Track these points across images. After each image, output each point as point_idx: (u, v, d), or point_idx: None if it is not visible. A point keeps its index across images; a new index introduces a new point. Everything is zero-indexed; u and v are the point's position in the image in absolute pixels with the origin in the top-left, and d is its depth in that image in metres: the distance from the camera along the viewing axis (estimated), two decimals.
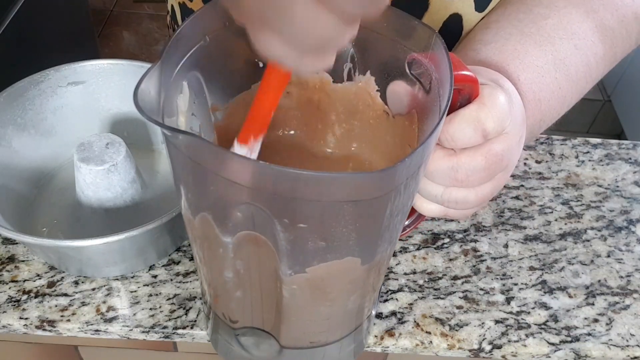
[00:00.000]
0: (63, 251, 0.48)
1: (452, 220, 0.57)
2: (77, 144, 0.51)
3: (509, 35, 0.47)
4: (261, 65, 0.38)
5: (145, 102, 0.30)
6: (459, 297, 0.52)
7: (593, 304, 0.52)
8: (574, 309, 0.52)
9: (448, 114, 0.37)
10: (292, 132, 0.45)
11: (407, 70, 0.38)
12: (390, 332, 0.49)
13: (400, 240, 0.55)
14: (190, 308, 0.50)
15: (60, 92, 0.57)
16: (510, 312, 0.51)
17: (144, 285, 0.51)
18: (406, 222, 0.46)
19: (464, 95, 0.38)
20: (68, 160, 0.58)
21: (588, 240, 0.57)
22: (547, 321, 0.51)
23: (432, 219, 0.57)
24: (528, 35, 0.47)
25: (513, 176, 0.61)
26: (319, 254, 0.34)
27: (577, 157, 0.64)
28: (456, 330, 0.50)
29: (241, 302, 0.40)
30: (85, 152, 0.50)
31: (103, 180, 0.50)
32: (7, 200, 0.53)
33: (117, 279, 0.52)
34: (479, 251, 0.55)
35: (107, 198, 0.51)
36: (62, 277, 0.52)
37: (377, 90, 0.41)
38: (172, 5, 0.68)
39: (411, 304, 0.51)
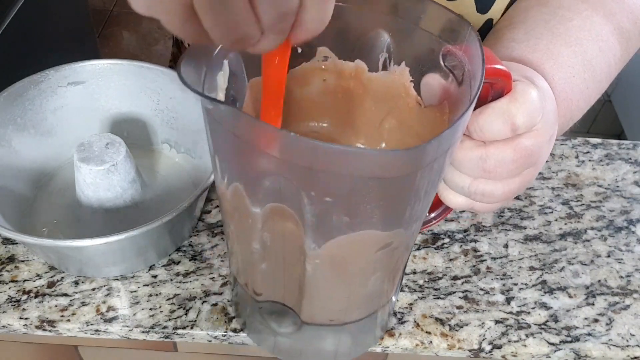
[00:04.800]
0: (63, 251, 0.48)
1: (452, 220, 0.57)
2: (77, 144, 0.51)
3: (540, 35, 0.47)
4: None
5: (187, 76, 0.32)
6: (459, 297, 0.52)
7: (593, 304, 0.52)
8: (574, 309, 0.52)
9: (480, 107, 0.38)
10: (324, 124, 0.45)
11: (441, 62, 0.38)
12: (390, 332, 0.49)
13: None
14: (190, 308, 0.50)
15: (60, 92, 0.57)
16: (510, 312, 0.51)
17: (144, 285, 0.51)
18: (432, 215, 0.46)
19: (496, 90, 0.38)
20: (68, 160, 0.58)
21: (588, 240, 0.57)
22: (547, 321, 0.51)
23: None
24: (558, 36, 0.47)
25: None
26: (342, 229, 0.35)
27: (577, 157, 0.64)
28: (456, 330, 0.50)
29: (266, 274, 0.41)
30: (85, 152, 0.50)
31: (103, 181, 0.50)
32: (7, 200, 0.53)
33: (117, 279, 0.52)
34: (479, 251, 0.55)
35: (107, 198, 0.51)
36: (62, 277, 0.52)
37: (411, 81, 0.42)
38: None
39: (411, 304, 0.51)
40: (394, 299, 0.47)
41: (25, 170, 0.56)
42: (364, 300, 0.43)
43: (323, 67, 0.43)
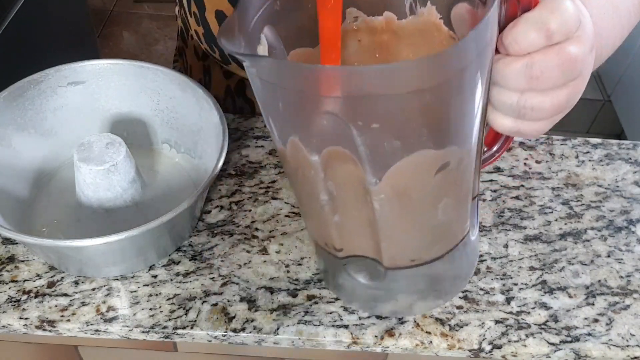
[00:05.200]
0: (63, 251, 0.48)
1: None
2: (77, 144, 0.51)
3: None
4: None
5: (227, 42, 0.34)
6: (459, 297, 0.52)
7: (593, 304, 0.52)
8: (574, 309, 0.52)
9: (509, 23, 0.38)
10: None
11: None
12: (390, 332, 0.49)
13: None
14: (190, 308, 0.50)
15: (60, 92, 0.57)
16: (510, 312, 0.51)
17: (144, 285, 0.51)
18: (494, 149, 0.47)
19: (524, 5, 0.38)
20: (68, 160, 0.59)
21: (588, 240, 0.57)
22: (547, 321, 0.51)
23: None
24: None
25: (513, 176, 0.61)
26: (396, 154, 0.36)
27: (577, 157, 0.63)
28: (456, 330, 0.50)
29: (341, 227, 0.42)
30: (85, 152, 0.50)
31: (103, 181, 0.50)
32: (7, 200, 0.53)
33: (117, 279, 0.52)
34: (479, 251, 0.55)
35: (107, 198, 0.51)
36: (62, 277, 0.52)
37: (440, 18, 0.42)
38: None
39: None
40: (472, 236, 0.46)
41: (25, 170, 0.56)
42: (439, 233, 0.43)
43: (355, 27, 0.44)
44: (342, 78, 0.33)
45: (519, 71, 0.38)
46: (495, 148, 0.47)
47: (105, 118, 0.59)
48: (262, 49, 0.40)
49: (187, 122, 0.58)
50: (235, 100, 0.71)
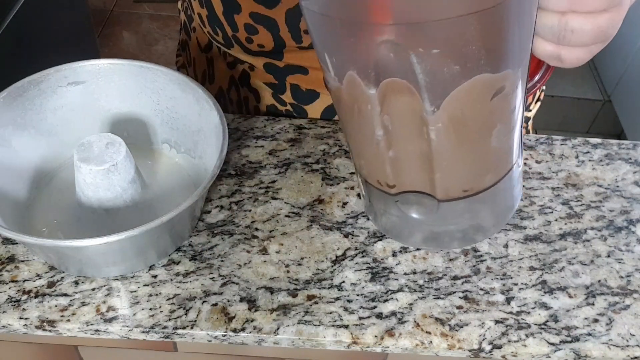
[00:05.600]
0: (63, 251, 0.48)
1: None
2: (77, 144, 0.51)
3: None
4: None
5: None
6: (459, 297, 0.52)
7: (593, 304, 0.52)
8: (574, 309, 0.52)
9: None
10: None
11: None
12: (390, 332, 0.50)
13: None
14: (190, 308, 0.50)
15: (60, 92, 0.57)
16: (511, 312, 0.51)
17: (144, 285, 0.51)
18: (535, 78, 0.47)
19: None
20: (68, 160, 0.59)
21: (588, 240, 0.57)
22: (547, 321, 0.51)
23: None
24: None
25: None
26: (455, 80, 0.37)
27: (577, 157, 0.64)
28: (456, 330, 0.50)
29: (395, 162, 0.43)
30: (85, 152, 0.50)
31: (103, 181, 0.50)
32: (7, 201, 0.53)
33: (117, 279, 0.52)
34: (479, 251, 0.55)
35: (107, 198, 0.51)
36: (62, 277, 0.52)
37: None
38: None
39: (411, 304, 0.51)
40: (518, 167, 0.46)
41: (25, 170, 0.56)
42: (492, 160, 0.43)
43: None
44: (405, 4, 0.33)
45: None
46: (536, 78, 0.47)
47: (105, 118, 0.59)
48: None
49: (187, 122, 0.58)
50: (239, 90, 0.72)
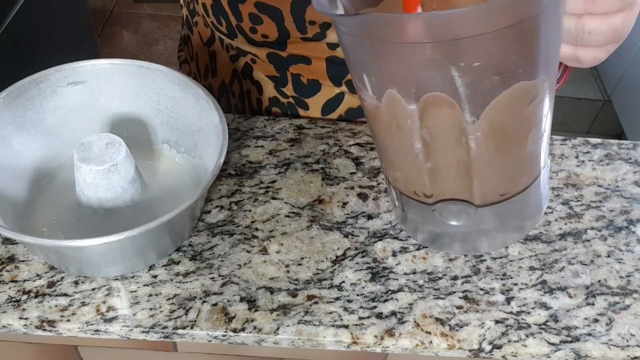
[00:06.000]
0: (63, 251, 0.48)
1: None
2: (77, 144, 0.51)
3: None
4: None
5: (321, 7, 0.38)
6: (459, 297, 0.52)
7: (593, 304, 0.52)
8: (574, 309, 0.52)
9: None
10: None
11: None
12: (390, 332, 0.49)
13: (398, 239, 0.55)
14: (190, 308, 0.50)
15: (60, 92, 0.57)
16: (510, 312, 0.51)
17: (144, 285, 0.51)
18: None
19: None
20: (68, 160, 0.58)
21: (588, 240, 0.57)
22: (547, 321, 0.51)
23: None
24: None
25: None
26: (495, 90, 0.38)
27: (577, 157, 0.63)
28: (456, 330, 0.50)
29: (433, 172, 0.44)
30: (85, 152, 0.50)
31: (103, 180, 0.50)
32: (7, 200, 0.53)
33: (117, 279, 0.52)
34: (478, 251, 0.55)
35: (107, 198, 0.51)
36: (62, 277, 0.52)
37: None
38: None
39: (411, 304, 0.51)
40: (548, 161, 0.48)
41: (26, 170, 0.56)
42: (527, 164, 0.45)
43: None
44: (446, 22, 0.35)
45: None
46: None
47: (105, 118, 0.59)
48: (340, 9, 0.42)
49: (187, 122, 0.58)
50: (242, 83, 0.72)
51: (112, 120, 0.59)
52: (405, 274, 0.53)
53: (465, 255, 0.55)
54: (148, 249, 0.51)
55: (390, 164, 0.48)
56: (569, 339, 0.50)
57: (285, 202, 0.58)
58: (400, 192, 0.49)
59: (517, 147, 0.43)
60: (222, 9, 0.63)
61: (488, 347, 0.49)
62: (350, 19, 0.38)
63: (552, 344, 0.50)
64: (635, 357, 0.50)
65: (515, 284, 0.53)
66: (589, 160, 0.63)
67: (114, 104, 0.59)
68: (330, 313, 0.50)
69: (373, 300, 0.51)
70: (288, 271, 0.53)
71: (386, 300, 0.51)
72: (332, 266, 0.53)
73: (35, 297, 0.50)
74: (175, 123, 0.59)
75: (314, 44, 0.64)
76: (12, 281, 0.51)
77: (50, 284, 0.51)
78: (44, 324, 0.49)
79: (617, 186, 0.61)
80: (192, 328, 0.49)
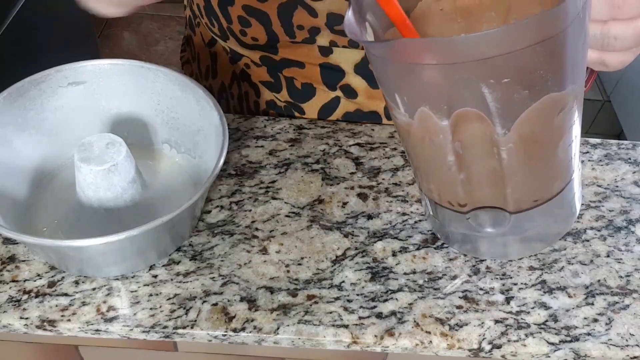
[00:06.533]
0: (63, 251, 0.49)
1: None
2: (78, 144, 0.51)
3: None
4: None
5: (354, 34, 0.39)
6: (459, 297, 0.52)
7: (592, 304, 0.52)
8: (573, 308, 0.52)
9: None
10: None
11: None
12: (390, 332, 0.50)
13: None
14: (191, 308, 0.50)
15: (60, 92, 0.57)
16: (510, 312, 0.51)
17: (144, 285, 0.52)
18: None
19: None
20: (68, 160, 0.59)
21: (587, 240, 0.57)
22: (546, 321, 0.51)
23: None
24: None
25: None
26: (525, 103, 0.39)
27: None
28: (456, 330, 0.50)
29: (466, 183, 0.45)
30: (85, 152, 0.50)
31: (103, 181, 0.50)
32: (7, 200, 0.53)
33: (118, 279, 0.52)
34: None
35: (107, 198, 0.51)
36: (63, 277, 0.52)
37: None
38: None
39: (411, 303, 0.51)
40: (579, 164, 0.49)
41: (26, 170, 0.56)
42: (559, 169, 0.46)
43: None
44: (477, 43, 0.36)
45: (601, 1, 0.40)
46: None
47: (106, 118, 0.59)
48: (369, 34, 0.44)
49: (187, 122, 0.58)
50: (240, 85, 0.72)
51: (113, 120, 0.60)
52: (405, 273, 0.53)
53: (465, 255, 0.55)
54: (148, 249, 0.51)
55: (424, 176, 0.49)
56: (569, 338, 0.50)
57: (285, 202, 0.58)
58: (434, 202, 0.50)
59: (548, 155, 0.44)
60: (213, 11, 0.64)
61: (488, 347, 0.49)
62: (381, 45, 0.39)
63: (552, 344, 0.50)
64: (635, 357, 0.50)
65: (515, 284, 0.53)
66: (589, 160, 0.63)
67: (114, 104, 0.59)
68: (330, 313, 0.50)
69: (373, 300, 0.51)
70: (288, 271, 0.53)
71: (386, 300, 0.51)
72: (332, 266, 0.54)
73: (36, 296, 0.50)
74: (175, 123, 0.59)
75: (306, 49, 0.64)
76: (13, 281, 0.51)
77: (51, 284, 0.51)
78: (45, 323, 0.49)
79: (617, 186, 0.61)
80: (192, 328, 0.49)
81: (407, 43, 0.39)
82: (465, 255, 0.55)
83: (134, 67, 0.57)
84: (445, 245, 0.55)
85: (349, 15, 0.41)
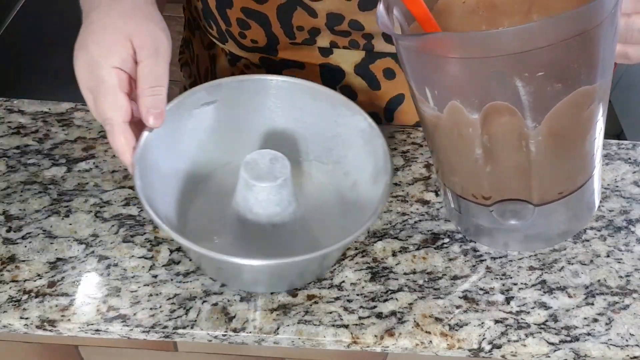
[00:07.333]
0: (242, 268, 0.48)
1: (451, 220, 0.57)
2: (243, 162, 0.50)
3: None
4: None
5: (389, 29, 0.40)
6: (459, 297, 0.52)
7: (592, 304, 0.52)
8: (573, 308, 0.52)
9: None
10: None
11: None
12: (390, 332, 0.50)
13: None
14: (191, 308, 0.50)
15: (195, 114, 0.55)
16: (510, 312, 0.51)
17: (144, 285, 0.52)
18: None
19: None
20: (218, 168, 0.58)
21: (587, 240, 0.57)
22: (546, 321, 0.51)
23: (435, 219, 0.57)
24: None
25: None
26: (557, 96, 0.40)
27: None
28: (456, 330, 0.50)
29: (492, 176, 0.46)
30: (254, 170, 0.50)
31: (275, 196, 0.50)
32: (166, 203, 0.52)
33: (117, 279, 0.52)
34: (478, 251, 0.55)
35: (275, 212, 0.51)
36: (63, 277, 0.52)
37: None
38: None
39: (411, 303, 0.51)
40: (601, 159, 0.49)
41: (182, 174, 0.55)
42: (584, 162, 0.46)
43: None
44: (514, 37, 0.36)
45: None
46: None
47: (260, 134, 0.58)
48: (397, 27, 0.44)
49: (319, 129, 0.56)
50: None
51: (264, 136, 0.58)
52: (405, 273, 0.53)
53: (465, 255, 0.55)
54: (313, 270, 0.51)
55: (448, 169, 0.49)
56: (569, 338, 0.50)
57: None
58: (457, 195, 0.50)
59: (575, 148, 0.45)
60: (211, 14, 0.63)
61: (488, 347, 0.49)
62: (414, 38, 0.39)
63: (552, 344, 0.50)
64: (635, 357, 0.50)
65: (515, 284, 0.53)
66: None
67: (260, 121, 0.57)
68: (330, 313, 0.50)
69: (373, 300, 0.51)
70: None
71: (386, 300, 0.51)
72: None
73: (36, 296, 0.50)
74: (306, 131, 0.57)
75: (306, 50, 0.64)
76: (13, 281, 0.51)
77: (51, 284, 0.51)
78: (45, 323, 0.49)
79: (617, 186, 0.61)
80: (192, 328, 0.49)
81: (442, 37, 0.40)
82: (465, 255, 0.55)
83: (260, 80, 0.56)
84: (445, 246, 0.55)
85: (380, 8, 0.41)
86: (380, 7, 0.42)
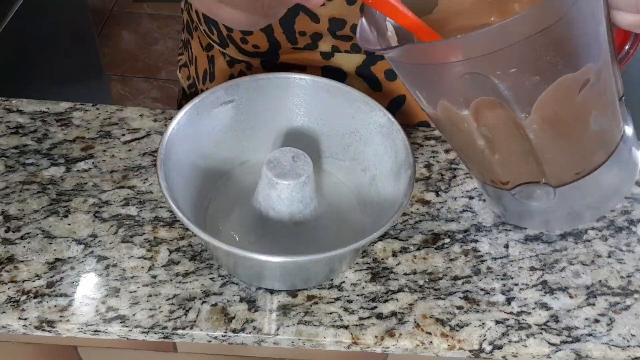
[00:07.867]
0: (264, 265, 0.48)
1: (452, 220, 0.57)
2: (265, 160, 0.50)
3: None
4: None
5: (368, 45, 0.41)
6: (460, 298, 0.52)
7: (594, 305, 0.52)
8: (574, 309, 0.52)
9: None
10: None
11: None
12: (390, 333, 0.49)
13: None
14: (190, 308, 0.50)
15: (214, 113, 0.55)
16: (511, 313, 0.51)
17: (143, 286, 0.51)
18: (626, 48, 0.49)
19: None
20: (236, 167, 0.58)
21: (589, 241, 0.57)
22: (547, 321, 0.51)
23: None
24: None
25: None
26: (538, 87, 0.40)
27: None
28: (457, 330, 0.50)
29: (502, 163, 0.47)
30: (277, 169, 0.50)
31: (298, 194, 0.50)
32: (186, 198, 0.52)
33: (116, 279, 0.52)
34: (479, 251, 0.55)
35: (298, 210, 0.51)
36: (62, 278, 0.52)
37: None
38: None
39: (411, 304, 0.51)
40: (629, 133, 0.49)
41: (206, 171, 0.55)
42: (597, 141, 0.46)
43: None
44: (475, 41, 0.37)
45: None
46: (627, 47, 0.49)
47: (277, 132, 0.58)
48: (391, 36, 0.45)
49: (335, 126, 0.56)
50: None
51: (282, 134, 0.58)
52: (406, 274, 0.53)
53: (466, 255, 0.55)
54: (336, 266, 0.51)
55: (465, 159, 0.51)
56: (570, 339, 0.50)
57: None
58: (482, 182, 0.52)
59: (578, 129, 0.45)
60: (212, 19, 0.63)
61: (488, 348, 0.49)
62: (391, 50, 0.41)
63: (553, 345, 0.49)
64: (636, 358, 0.50)
65: (516, 284, 0.53)
66: None
67: (277, 119, 0.57)
68: (330, 313, 0.50)
69: (373, 300, 0.51)
70: None
71: (386, 301, 0.51)
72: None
73: (35, 297, 0.50)
74: (323, 128, 0.57)
75: (307, 54, 0.64)
76: (12, 281, 0.51)
77: (50, 284, 0.51)
78: (44, 324, 0.49)
79: None
80: (191, 328, 0.49)
81: (410, 48, 0.40)
82: (465, 255, 0.55)
83: (280, 79, 0.56)
84: (445, 246, 0.55)
85: (363, 22, 0.42)
86: (363, 21, 0.42)
